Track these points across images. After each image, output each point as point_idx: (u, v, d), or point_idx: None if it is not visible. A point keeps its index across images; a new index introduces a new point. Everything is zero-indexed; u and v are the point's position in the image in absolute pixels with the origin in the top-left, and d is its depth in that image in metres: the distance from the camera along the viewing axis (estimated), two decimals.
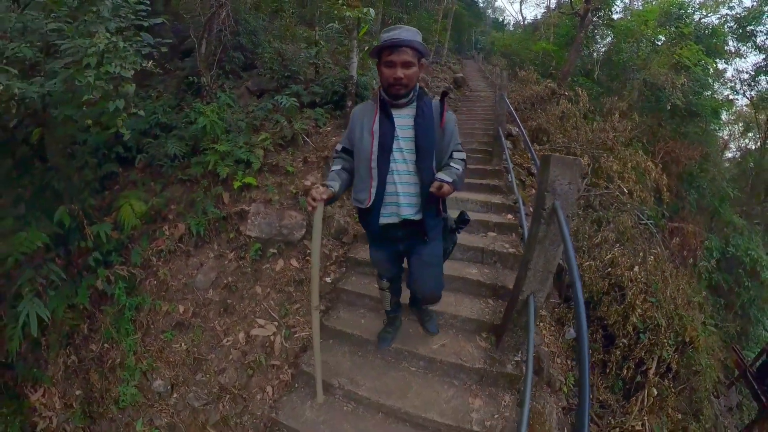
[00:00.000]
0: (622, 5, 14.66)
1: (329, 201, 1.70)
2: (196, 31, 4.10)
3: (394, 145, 1.72)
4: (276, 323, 2.58)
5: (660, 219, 7.26)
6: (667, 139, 8.49)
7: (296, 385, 2.21)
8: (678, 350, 3.68)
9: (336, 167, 1.84)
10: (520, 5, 49.37)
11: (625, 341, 3.27)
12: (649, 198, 6.00)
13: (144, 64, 2.27)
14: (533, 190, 5.04)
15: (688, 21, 10.53)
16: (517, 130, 6.36)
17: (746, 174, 15.01)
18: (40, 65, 2.19)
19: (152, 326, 2.68)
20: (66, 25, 2.09)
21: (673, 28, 9.84)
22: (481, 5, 27.25)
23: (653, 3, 12.18)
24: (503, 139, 4.72)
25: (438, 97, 1.78)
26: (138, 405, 2.62)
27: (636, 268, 3.41)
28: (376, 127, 1.72)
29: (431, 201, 1.74)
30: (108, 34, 2.07)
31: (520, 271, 1.99)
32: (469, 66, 14.56)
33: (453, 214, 2.00)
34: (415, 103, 1.73)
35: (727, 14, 12.10)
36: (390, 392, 1.95)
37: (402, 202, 1.76)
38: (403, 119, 1.73)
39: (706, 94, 10.64)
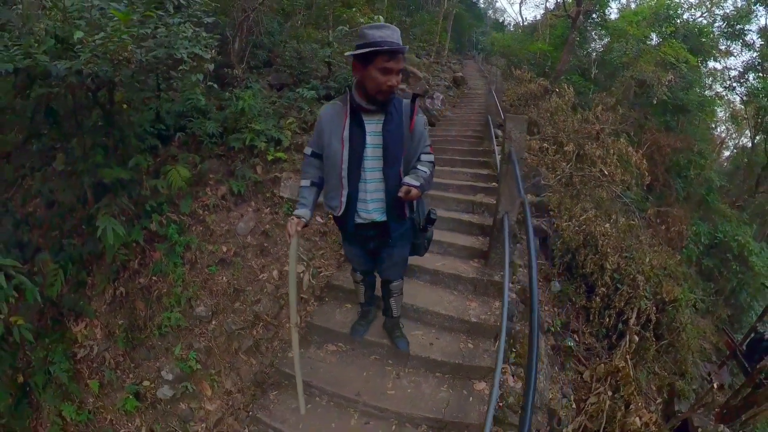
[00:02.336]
0: (618, 6, 15.38)
1: (305, 227, 1.79)
2: (230, 30, 4.82)
3: (365, 153, 1.72)
4: (304, 263, 3.20)
5: (644, 203, 7.84)
6: (653, 131, 9.10)
7: (325, 299, 2.88)
8: (658, 308, 4.27)
9: (305, 182, 1.87)
10: (520, 6, 50.13)
11: (604, 290, 3.88)
12: (630, 180, 6.61)
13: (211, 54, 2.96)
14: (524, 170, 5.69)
15: (676, 21, 11.14)
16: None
17: (740, 169, 15.54)
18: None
19: (198, 262, 3.16)
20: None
21: (662, 28, 10.47)
22: (482, 6, 28.02)
23: (645, 4, 12.84)
24: (491, 125, 5.38)
25: (410, 99, 1.78)
26: (179, 330, 2.98)
27: (607, 225, 4.04)
28: (346, 134, 1.70)
29: (396, 205, 1.77)
30: (191, 25, 2.79)
31: (497, 199, 2.66)
32: (469, 66, 15.27)
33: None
34: (383, 108, 1.70)
35: (716, 13, 12.68)
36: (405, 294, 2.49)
37: (371, 208, 1.80)
38: (373, 125, 1.71)
39: (697, 90, 11.24)
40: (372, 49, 1.50)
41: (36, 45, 2.43)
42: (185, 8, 2.99)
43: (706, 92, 12.94)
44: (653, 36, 10.98)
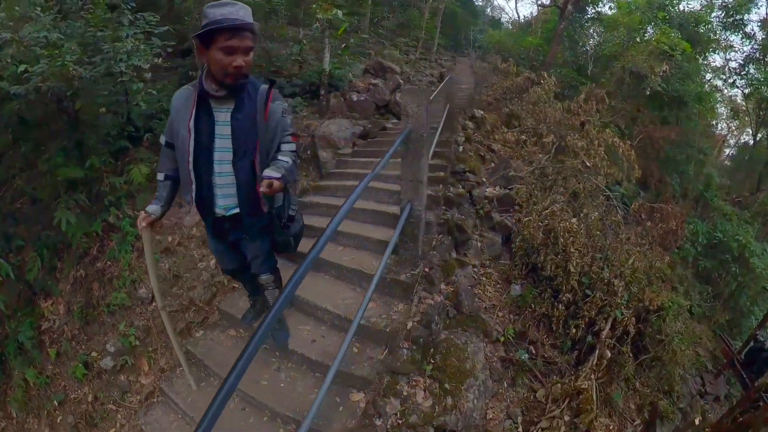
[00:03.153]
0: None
1: (155, 221, 1.75)
2: (194, 33, 4.53)
3: (215, 144, 1.59)
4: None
5: (635, 198, 7.32)
6: (646, 123, 8.57)
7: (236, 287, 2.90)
8: (640, 318, 3.74)
9: (160, 176, 1.78)
10: (516, 3, 49.64)
11: (569, 296, 3.35)
12: (619, 174, 6.10)
13: (155, 61, 3.47)
14: (492, 164, 5.22)
15: (671, 10, 10.60)
16: (481, 113, 6.55)
17: (741, 166, 14.90)
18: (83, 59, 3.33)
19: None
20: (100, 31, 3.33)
21: (656, 16, 9.94)
22: (480, 4, 27.59)
23: None
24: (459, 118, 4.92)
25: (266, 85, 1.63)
26: (124, 309, 3.38)
27: (574, 220, 3.53)
28: (192, 123, 1.56)
29: (250, 199, 1.65)
30: (133, 40, 3.30)
31: (401, 186, 2.21)
32: (462, 63, 14.80)
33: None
34: (234, 96, 1.56)
35: (714, 3, 12.12)
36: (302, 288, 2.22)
37: (222, 203, 1.68)
38: (223, 113, 1.57)
39: (696, 81, 10.67)
40: (210, 27, 1.37)
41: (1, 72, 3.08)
42: (138, 21, 3.56)
43: (706, 86, 12.40)
44: (649, 29, 10.49)
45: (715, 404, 5.91)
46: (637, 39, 9.82)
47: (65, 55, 2.95)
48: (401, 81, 7.53)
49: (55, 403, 3.23)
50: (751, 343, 6.47)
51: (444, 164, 3.74)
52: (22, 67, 2.94)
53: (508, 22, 26.76)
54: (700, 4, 12.50)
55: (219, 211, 1.70)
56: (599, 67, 11.59)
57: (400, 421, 1.88)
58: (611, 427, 3.09)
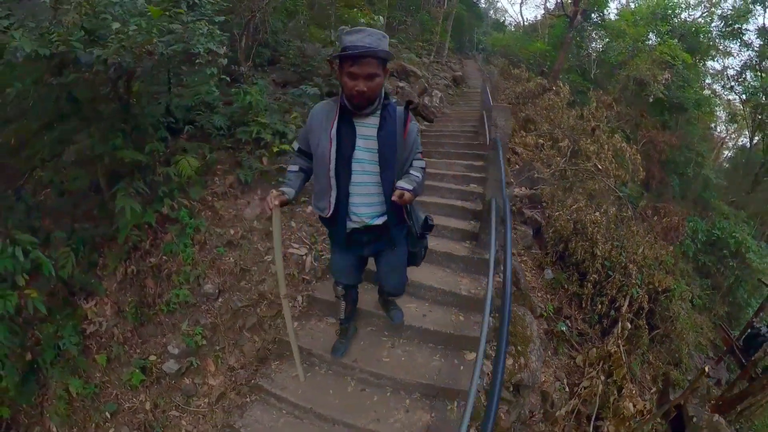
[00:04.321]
0: (617, 6, 15.62)
1: (285, 204, 1.79)
2: (238, 29, 5.07)
3: (355, 155, 1.71)
4: (307, 247, 3.41)
5: (639, 198, 8.04)
6: (649, 128, 9.31)
7: (327, 276, 3.11)
8: (651, 298, 4.41)
9: (293, 168, 1.89)
10: (521, 7, 50.50)
11: (595, 276, 4.08)
12: (625, 175, 6.83)
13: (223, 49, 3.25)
14: (517, 166, 5.92)
15: (673, 20, 11.36)
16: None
17: (738, 168, 15.72)
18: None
19: (207, 243, 3.31)
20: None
21: (659, 28, 10.71)
22: (483, 6, 28.26)
23: (643, 3, 13.06)
24: (486, 121, 5.61)
25: (403, 106, 1.78)
26: (187, 306, 3.13)
27: (597, 214, 4.26)
28: (333, 132, 1.67)
29: (394, 209, 1.76)
30: (207, 24, 3.14)
31: (485, 185, 2.90)
32: (469, 66, 15.49)
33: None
34: (378, 113, 1.70)
35: (714, 13, 12.87)
36: None
37: (364, 211, 1.79)
38: (366, 128, 1.71)
39: (694, 88, 11.43)
40: (336, 55, 1.57)
41: (68, 34, 2.67)
42: (198, 7, 3.29)
43: (705, 91, 13.17)
44: (651, 36, 11.23)
45: (717, 387, 6.62)
46: (639, 44, 10.58)
47: (152, 25, 2.68)
48: (426, 85, 8.18)
49: (107, 414, 2.91)
50: (749, 331, 7.04)
51: (483, 165, 4.45)
52: (115, 25, 2.59)
53: (511, 24, 27.47)
54: (701, 13, 13.28)
55: (357, 220, 1.81)
56: (602, 72, 12.33)
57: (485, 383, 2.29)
58: (633, 391, 3.78)
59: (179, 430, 2.84)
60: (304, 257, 3.28)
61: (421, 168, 1.83)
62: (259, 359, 2.89)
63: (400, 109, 1.75)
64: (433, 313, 2.63)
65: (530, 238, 4.51)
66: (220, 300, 3.15)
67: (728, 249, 9.88)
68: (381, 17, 5.34)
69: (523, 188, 5.18)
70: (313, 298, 2.91)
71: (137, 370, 2.97)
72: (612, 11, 13.93)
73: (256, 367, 2.84)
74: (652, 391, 4.30)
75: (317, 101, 4.97)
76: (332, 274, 2.26)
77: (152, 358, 3.03)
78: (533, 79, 10.06)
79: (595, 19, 12.98)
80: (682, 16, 12.33)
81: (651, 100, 9.35)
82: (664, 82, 8.92)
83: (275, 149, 3.93)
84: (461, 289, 2.73)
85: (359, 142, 1.70)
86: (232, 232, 3.43)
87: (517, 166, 5.80)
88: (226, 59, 3.29)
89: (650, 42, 10.65)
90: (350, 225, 1.83)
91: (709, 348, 7.12)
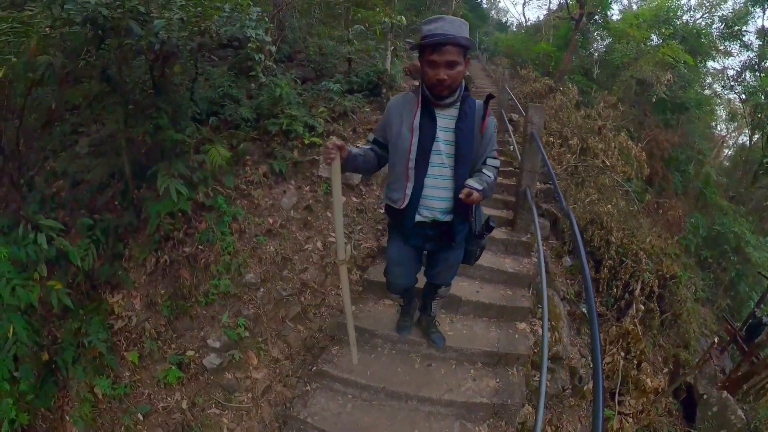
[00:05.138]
0: (620, 7, 15.93)
1: (345, 165, 1.71)
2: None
3: (434, 147, 1.70)
4: (346, 236, 3.57)
5: (644, 194, 8.31)
6: (652, 127, 9.61)
7: (376, 260, 3.29)
8: (660, 284, 4.66)
9: (367, 146, 1.87)
10: (523, 7, 50.96)
11: (611, 262, 4.41)
12: (631, 172, 7.10)
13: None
14: None
15: (676, 23, 11.68)
16: (518, 116, 7.51)
17: (738, 166, 16.08)
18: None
19: (246, 232, 3.34)
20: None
21: (662, 30, 11.03)
22: (485, 6, 28.61)
23: (646, 5, 13.38)
24: (505, 119, 5.87)
25: (482, 99, 1.75)
26: (227, 297, 3.02)
27: (609, 206, 4.54)
28: (416, 123, 1.68)
29: (461, 206, 1.72)
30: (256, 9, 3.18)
31: (518, 175, 3.14)
32: (473, 66, 15.76)
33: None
34: (459, 105, 1.69)
35: (714, 15, 13.21)
36: None
37: (435, 205, 1.78)
38: (445, 120, 1.70)
39: (696, 89, 11.76)
40: (417, 44, 1.58)
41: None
42: None
43: (706, 91, 13.51)
44: (654, 37, 11.55)
45: (721, 375, 6.89)
46: (643, 46, 10.90)
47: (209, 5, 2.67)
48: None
49: (139, 416, 2.70)
50: (751, 320, 7.36)
51: (506, 160, 4.71)
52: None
53: (513, 25, 27.80)
54: (702, 14, 13.61)
55: (427, 215, 1.80)
56: (605, 72, 12.63)
57: (535, 350, 2.53)
58: (648, 370, 3.97)
59: (220, 429, 2.68)
60: (345, 245, 3.45)
61: (495, 168, 1.79)
62: (306, 348, 2.92)
63: (479, 102, 1.72)
64: (484, 289, 2.88)
65: (548, 229, 4.76)
66: (261, 290, 3.12)
67: (728, 244, 10.21)
68: (403, 17, 5.55)
69: (540, 183, 5.44)
70: (368, 282, 2.98)
71: (173, 367, 2.78)
72: (615, 13, 14.28)
73: (304, 357, 2.86)
74: (664, 371, 4.57)
75: (340, 97, 5.25)
76: (387, 274, 2.16)
77: (190, 353, 2.86)
78: (540, 79, 10.33)
79: (599, 21, 13.30)
80: (684, 18, 12.66)
81: (654, 100, 9.65)
82: (666, 82, 9.22)
83: (307, 141, 4.16)
84: (506, 267, 3.04)
85: (439, 134, 1.69)
86: (270, 220, 3.49)
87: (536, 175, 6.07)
88: (274, 46, 3.48)
89: (653, 43, 11.01)
90: (419, 218, 1.80)
91: (712, 338, 7.37)
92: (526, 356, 2.41)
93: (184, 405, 2.74)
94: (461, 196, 1.60)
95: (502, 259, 3.16)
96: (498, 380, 2.30)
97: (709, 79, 14.43)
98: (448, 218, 1.81)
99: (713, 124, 17.11)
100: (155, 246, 3.10)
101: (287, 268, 3.29)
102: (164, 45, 2.88)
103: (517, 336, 2.56)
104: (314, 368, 2.46)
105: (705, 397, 4.49)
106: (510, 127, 6.33)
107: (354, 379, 2.29)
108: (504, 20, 29.73)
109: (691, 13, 13.49)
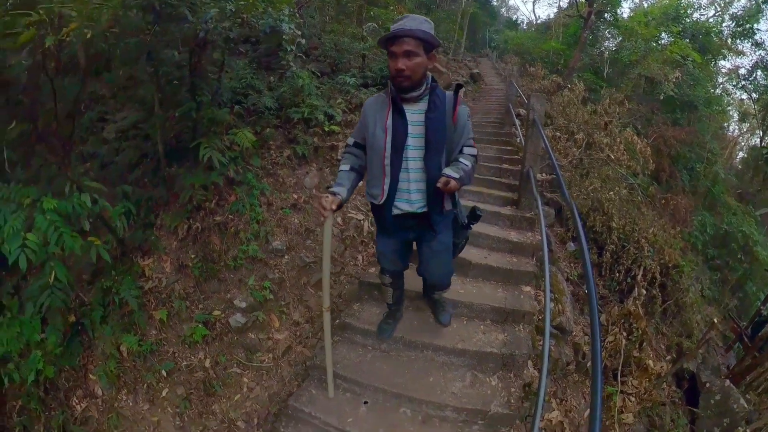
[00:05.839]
0: (631, 5, 16.23)
1: (339, 207, 1.84)
2: None
3: (408, 142, 1.80)
4: (363, 213, 3.98)
5: (647, 187, 8.61)
6: (660, 124, 9.92)
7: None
8: (662, 272, 4.95)
9: (345, 167, 1.96)
10: (533, 5, 51.33)
11: (612, 247, 4.71)
12: (636, 167, 7.43)
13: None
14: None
15: (686, 21, 11.97)
16: (524, 111, 7.89)
17: (749, 167, 16.28)
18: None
19: (273, 204, 3.76)
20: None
21: (670, 28, 11.34)
22: (495, 4, 28.99)
23: (656, 4, 13.69)
24: (513, 112, 6.27)
25: (452, 90, 1.85)
26: (254, 262, 3.33)
27: (611, 193, 4.90)
28: (389, 122, 1.78)
29: (437, 195, 1.83)
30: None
31: (522, 157, 3.53)
32: (483, 63, 16.16)
33: (467, 206, 2.31)
34: (427, 98, 1.79)
35: (726, 12, 13.46)
36: None
37: (413, 197, 1.89)
38: (415, 114, 1.79)
39: (707, 87, 12.00)
40: (380, 38, 1.73)
41: None
42: None
43: (717, 90, 13.75)
44: (663, 35, 11.84)
45: (725, 370, 7.09)
46: (652, 44, 11.20)
47: None
48: (451, 80, 8.86)
49: (163, 373, 2.88)
50: (757, 318, 7.58)
51: (512, 149, 5.14)
52: None
53: (523, 22, 28.14)
54: (714, 11, 13.88)
55: (404, 207, 1.91)
56: (615, 71, 12.94)
57: (540, 315, 2.80)
58: (649, 352, 4.19)
59: (241, 388, 2.86)
60: (362, 222, 3.89)
61: (472, 156, 1.88)
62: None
63: (449, 93, 1.83)
64: (492, 256, 3.27)
65: (552, 217, 5.14)
66: (286, 257, 3.49)
67: (736, 243, 10.46)
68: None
69: (544, 174, 5.81)
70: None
71: (200, 325, 2.99)
72: (625, 11, 14.60)
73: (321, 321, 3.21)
74: (667, 358, 4.75)
75: (356, 90, 5.66)
76: (379, 261, 2.31)
77: (216, 313, 3.08)
78: (549, 77, 10.68)
79: (608, 18, 13.61)
80: (694, 16, 12.95)
81: (662, 97, 9.96)
82: (674, 80, 9.53)
83: (326, 128, 4.59)
84: (512, 238, 3.45)
85: (411, 129, 1.79)
86: (294, 196, 3.92)
87: (539, 154, 6.43)
88: (304, 39, 3.95)
89: (663, 41, 11.30)
90: (397, 211, 1.91)
91: (718, 338, 7.59)
92: (531, 314, 2.76)
93: (207, 363, 2.94)
94: (439, 184, 1.68)
95: (508, 232, 3.56)
96: (506, 335, 2.62)
97: (720, 78, 14.70)
98: (424, 209, 1.90)
99: (725, 124, 17.33)
100: (187, 215, 3.42)
101: (310, 239, 3.68)
102: (208, 33, 3.28)
103: (522, 297, 2.91)
104: (337, 321, 2.74)
105: (708, 385, 4.65)
106: (517, 122, 6.70)
107: (374, 331, 2.57)
108: (514, 18, 30.14)
109: (702, 10, 13.80)
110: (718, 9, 13.65)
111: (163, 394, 2.84)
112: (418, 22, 1.66)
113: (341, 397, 2.38)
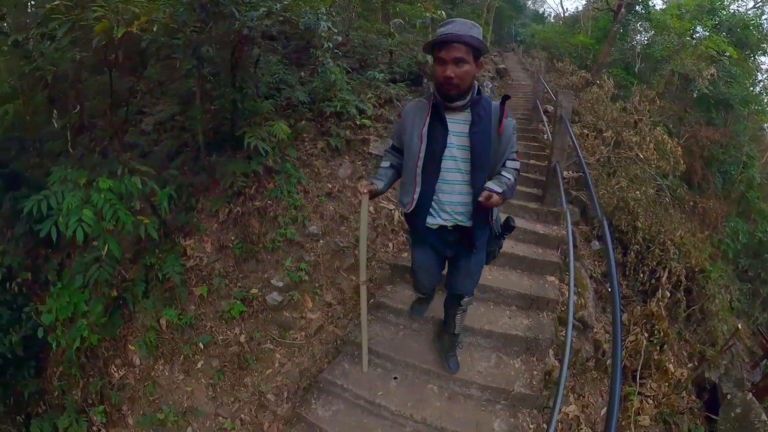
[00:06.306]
0: None
1: (374, 195, 1.88)
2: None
3: (446, 153, 1.76)
4: (394, 204, 4.19)
5: (676, 189, 8.54)
6: (692, 124, 9.78)
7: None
8: (687, 276, 4.97)
9: (385, 164, 1.98)
10: None
11: (637, 247, 4.79)
12: (666, 167, 7.40)
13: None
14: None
15: (723, 14, 11.64)
16: (552, 108, 7.96)
17: None
18: None
19: (309, 192, 3.98)
20: None
21: (706, 21, 11.10)
22: None
23: None
24: (540, 109, 6.39)
25: (498, 100, 1.79)
26: (291, 244, 3.57)
27: (638, 192, 4.98)
28: (425, 130, 1.75)
29: (481, 209, 1.77)
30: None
31: (549, 152, 3.71)
32: (509, 58, 16.12)
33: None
34: (470, 109, 1.74)
35: (766, 5, 12.95)
36: None
37: (450, 210, 1.84)
38: (458, 125, 1.75)
39: (747, 85, 11.62)
40: (426, 43, 1.68)
41: None
42: None
43: (757, 88, 13.32)
44: (698, 29, 11.55)
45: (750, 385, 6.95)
46: (685, 39, 10.98)
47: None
48: (477, 76, 9.01)
49: (200, 345, 3.08)
50: None
51: (538, 146, 5.29)
52: None
53: (551, 16, 27.74)
54: (753, 3, 13.40)
55: (447, 218, 1.87)
56: (647, 67, 12.72)
57: (563, 308, 2.95)
58: (670, 355, 4.22)
59: (273, 363, 3.06)
60: (392, 212, 4.13)
61: (515, 170, 1.84)
62: (357, 295, 3.25)
63: (495, 103, 1.78)
64: (518, 246, 3.45)
65: (577, 215, 5.26)
66: (321, 241, 3.73)
67: None
68: (443, 12, 6.15)
69: (571, 172, 5.92)
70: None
71: (238, 302, 3.22)
72: (657, 3, 14.28)
73: (355, 303, 3.31)
74: (688, 366, 4.76)
75: (385, 85, 5.87)
76: (415, 276, 2.27)
77: (254, 291, 3.32)
78: (577, 72, 10.66)
79: (640, 11, 13.34)
80: (732, 8, 12.55)
81: (695, 95, 9.81)
82: (709, 77, 9.37)
83: (358, 122, 4.83)
84: (537, 229, 3.64)
85: (451, 139, 1.75)
86: (329, 186, 4.17)
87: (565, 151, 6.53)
88: (340, 37, 4.26)
89: (697, 36, 11.06)
90: (436, 222, 1.89)
91: (745, 353, 7.46)
92: (555, 302, 2.94)
93: (242, 338, 3.14)
94: (480, 199, 1.65)
95: (534, 224, 3.75)
96: (530, 320, 2.81)
97: (760, 75, 14.23)
98: (468, 223, 1.87)
99: (765, 125, 16.73)
100: (227, 200, 3.69)
101: (344, 225, 3.91)
102: (252, 30, 3.51)
103: (546, 285, 3.10)
104: (371, 301, 2.95)
105: (729, 397, 4.59)
106: (545, 118, 6.80)
107: (406, 310, 2.76)
108: (541, 11, 29.69)
109: (740, 2, 13.36)
110: (758, 0, 13.22)
111: (198, 365, 3.07)
112: (468, 27, 1.61)
113: (373, 372, 2.61)
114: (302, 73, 5.57)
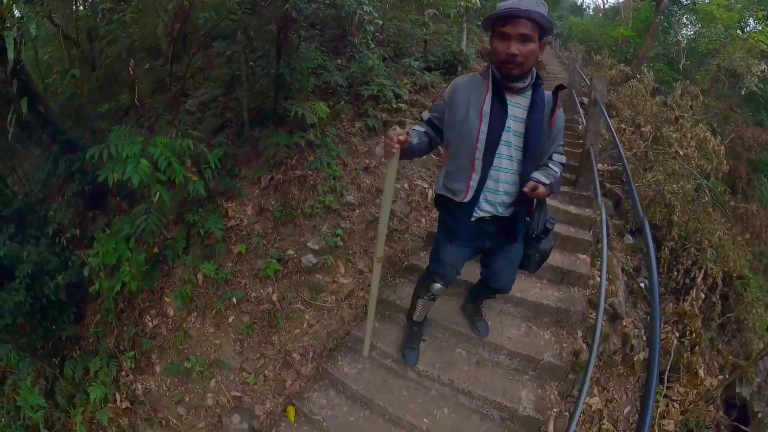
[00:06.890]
0: None
1: (404, 154, 1.71)
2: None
3: (503, 137, 1.67)
4: (427, 183, 4.44)
5: (721, 194, 8.36)
6: (739, 123, 9.51)
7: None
8: (725, 281, 4.88)
9: (420, 128, 1.82)
10: None
11: (672, 243, 4.78)
12: (708, 165, 7.29)
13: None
14: (600, 145, 6.67)
15: None
16: (587, 100, 7.97)
17: None
18: None
19: (348, 165, 4.24)
20: None
21: (757, 12, 10.71)
22: None
23: None
24: (576, 100, 6.44)
25: (552, 91, 1.72)
26: (328, 212, 3.78)
27: (675, 186, 5.00)
28: (486, 108, 1.64)
29: (523, 200, 1.73)
30: None
31: (585, 135, 3.84)
32: (545, 51, 15.95)
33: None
34: (530, 92, 1.66)
35: None
36: None
37: (499, 199, 1.76)
38: (516, 108, 1.66)
39: None
40: (489, 16, 1.54)
41: None
42: None
43: None
44: (751, 21, 11.13)
45: None
46: (738, 32, 10.61)
47: None
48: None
49: (233, 300, 3.20)
50: None
51: (573, 134, 5.39)
52: None
53: (589, 8, 27.15)
54: None
55: (488, 209, 1.79)
56: (692, 62, 12.35)
57: (594, 291, 2.99)
58: (704, 368, 4.02)
59: (302, 323, 3.18)
60: (427, 189, 4.35)
61: (561, 164, 1.80)
62: (390, 263, 3.55)
63: (548, 93, 1.71)
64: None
65: (611, 208, 5.33)
66: (357, 211, 3.94)
67: None
68: (477, 0, 6.30)
69: (605, 164, 5.98)
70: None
71: (274, 261, 3.35)
72: None
73: (386, 270, 3.43)
74: (719, 377, 4.53)
75: (421, 72, 6.07)
76: (436, 266, 2.11)
77: (290, 252, 3.49)
78: (615, 66, 10.54)
79: (686, 3, 12.95)
80: None
81: (743, 93, 9.55)
82: (759, 74, 9.09)
83: (395, 105, 5.09)
84: (570, 210, 3.81)
85: (510, 123, 1.66)
86: (366, 161, 4.46)
87: (600, 145, 6.57)
88: (381, 21, 4.51)
89: (748, 28, 10.66)
90: (479, 213, 1.81)
91: None
92: (586, 277, 3.05)
93: (274, 297, 3.27)
94: (526, 189, 1.60)
95: (567, 206, 3.91)
96: (561, 293, 2.92)
97: None
98: (507, 213, 1.80)
99: None
100: (269, 169, 3.95)
101: (379, 197, 4.06)
102: (299, 13, 3.83)
103: (578, 262, 3.23)
104: (405, 263, 3.17)
105: (760, 416, 4.47)
106: (581, 110, 6.84)
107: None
108: (579, 3, 29.07)
109: None
110: None
111: (229, 320, 3.20)
112: (535, 3, 1.49)
113: (402, 332, 2.75)
114: (339, 60, 5.84)
